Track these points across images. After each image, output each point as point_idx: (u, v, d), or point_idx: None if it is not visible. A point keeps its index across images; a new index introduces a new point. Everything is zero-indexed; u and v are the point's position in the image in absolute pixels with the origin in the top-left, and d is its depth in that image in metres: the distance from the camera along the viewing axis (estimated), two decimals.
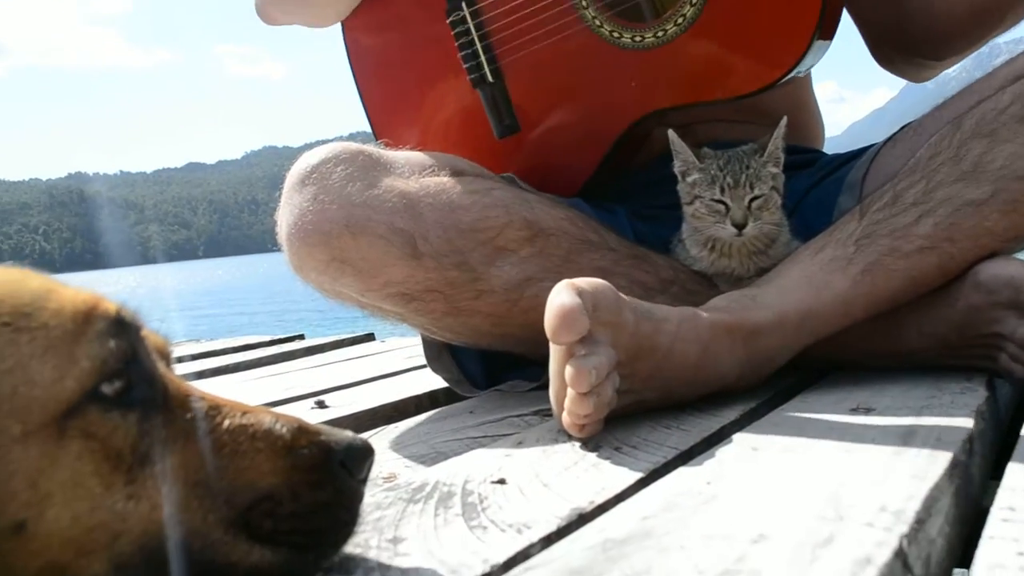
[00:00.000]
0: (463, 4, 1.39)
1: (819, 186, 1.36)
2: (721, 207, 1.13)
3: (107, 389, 0.51)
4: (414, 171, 1.18)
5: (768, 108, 1.41)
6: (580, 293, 0.86)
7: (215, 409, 0.56)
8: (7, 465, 0.47)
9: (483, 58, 1.40)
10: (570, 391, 0.85)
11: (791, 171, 1.23)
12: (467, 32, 1.40)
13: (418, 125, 1.52)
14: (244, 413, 0.57)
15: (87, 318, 0.51)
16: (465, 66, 1.42)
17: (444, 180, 1.18)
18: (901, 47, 1.47)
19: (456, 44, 1.42)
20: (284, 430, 0.57)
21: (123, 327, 0.53)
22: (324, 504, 0.55)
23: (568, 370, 0.84)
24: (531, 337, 1.18)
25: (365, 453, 0.59)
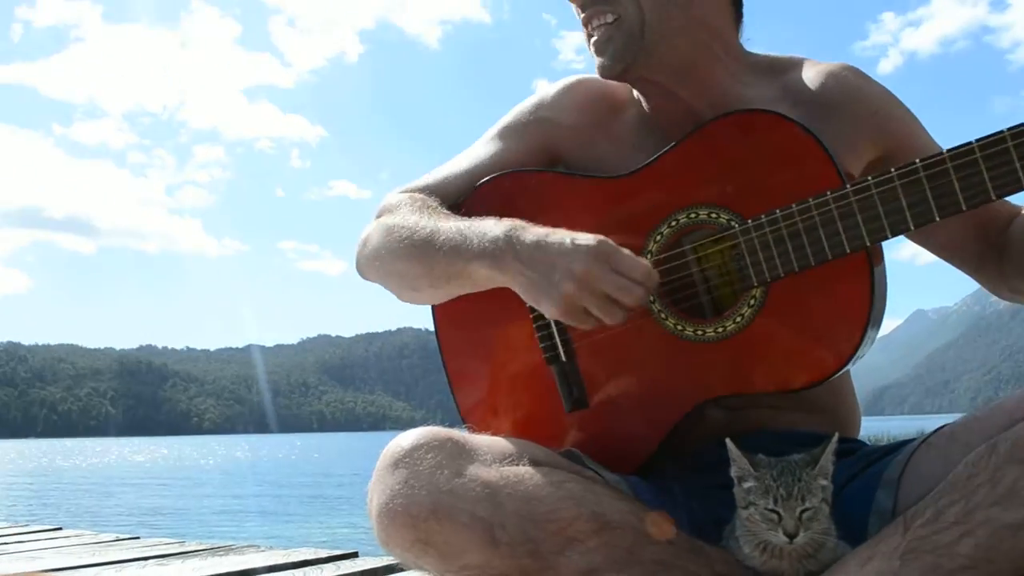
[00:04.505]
0: None
1: (857, 479, 1.37)
2: (774, 516, 1.14)
3: None
4: (496, 459, 1.23)
5: (812, 398, 1.44)
6: None
7: None
8: None
9: (558, 339, 1.47)
10: None
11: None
12: (545, 317, 1.46)
13: (492, 392, 1.58)
14: None
15: None
16: (541, 345, 1.49)
17: (522, 471, 1.22)
18: (1012, 278, 1.51)
19: (534, 326, 1.49)
20: None
21: None
22: None
23: None
24: None
25: None
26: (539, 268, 1.32)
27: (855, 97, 1.51)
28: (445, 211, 1.50)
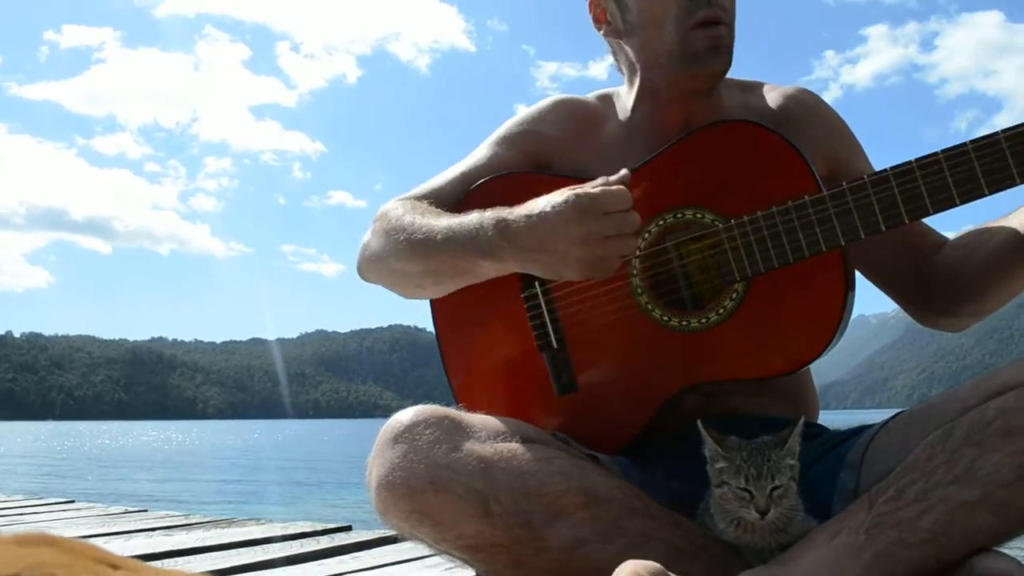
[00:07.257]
0: (536, 283, 1.44)
1: (821, 460, 1.37)
2: (746, 495, 1.14)
3: None
4: (490, 436, 1.22)
5: (780, 386, 1.45)
6: None
7: None
8: None
9: (550, 328, 1.45)
10: None
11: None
12: (538, 306, 1.45)
13: (485, 373, 1.54)
14: None
15: None
16: (534, 333, 1.46)
17: (515, 447, 1.21)
18: (936, 303, 1.50)
19: (528, 314, 1.46)
20: None
21: None
22: None
23: None
24: None
25: None
26: (545, 247, 1.29)
27: (813, 117, 1.53)
28: (437, 211, 1.46)
